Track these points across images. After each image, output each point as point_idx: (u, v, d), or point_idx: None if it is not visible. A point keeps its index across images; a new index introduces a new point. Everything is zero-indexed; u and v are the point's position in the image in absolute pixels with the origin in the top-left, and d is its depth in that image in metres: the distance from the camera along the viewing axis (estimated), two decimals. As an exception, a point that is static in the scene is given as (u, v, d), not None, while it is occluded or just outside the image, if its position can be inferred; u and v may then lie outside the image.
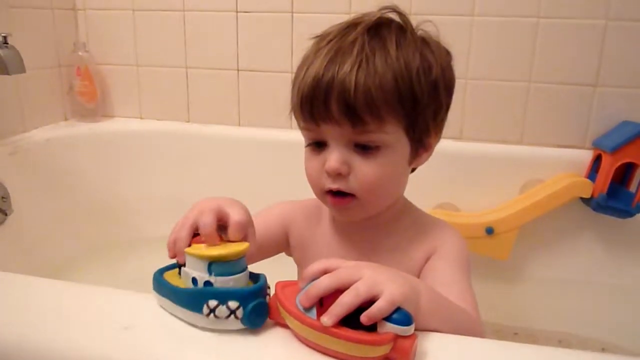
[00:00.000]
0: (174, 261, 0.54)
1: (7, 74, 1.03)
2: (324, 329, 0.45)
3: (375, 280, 0.46)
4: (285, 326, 0.49)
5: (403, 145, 0.64)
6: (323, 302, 0.47)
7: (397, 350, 0.45)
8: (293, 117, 0.67)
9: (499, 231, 1.12)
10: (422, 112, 0.63)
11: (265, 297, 0.50)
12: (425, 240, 0.69)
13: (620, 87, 1.15)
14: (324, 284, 0.47)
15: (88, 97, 1.40)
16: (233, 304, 0.47)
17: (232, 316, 0.47)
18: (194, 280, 0.49)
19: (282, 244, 0.77)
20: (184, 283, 0.51)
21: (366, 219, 0.68)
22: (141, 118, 1.46)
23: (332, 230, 0.73)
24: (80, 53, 1.38)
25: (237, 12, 1.32)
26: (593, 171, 1.14)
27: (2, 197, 1.08)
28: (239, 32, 1.33)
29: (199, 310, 0.48)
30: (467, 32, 1.20)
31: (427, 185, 1.21)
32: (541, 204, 1.12)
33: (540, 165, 1.18)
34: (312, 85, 0.60)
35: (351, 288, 0.46)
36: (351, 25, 0.64)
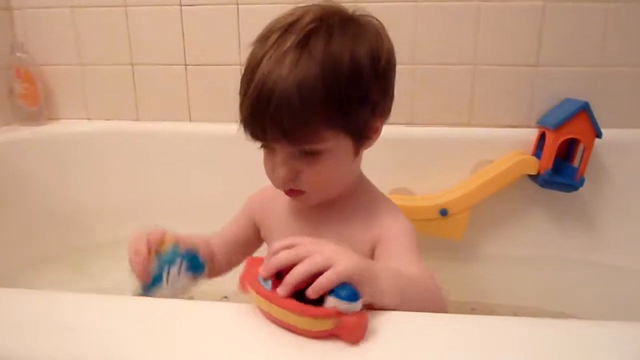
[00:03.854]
0: None
1: None
2: (274, 299, 0.47)
3: (331, 253, 0.49)
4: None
5: (345, 144, 0.66)
6: (283, 277, 0.49)
7: (342, 327, 0.46)
8: None
9: (453, 212, 1.15)
10: (355, 116, 0.64)
11: None
12: (373, 224, 0.72)
13: (561, 65, 1.20)
14: (283, 257, 0.50)
15: (30, 100, 1.35)
16: None
17: None
18: None
19: (257, 234, 0.84)
20: None
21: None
22: (88, 119, 1.41)
23: (288, 206, 0.78)
24: (18, 54, 1.33)
25: (181, 5, 1.29)
26: (539, 149, 1.18)
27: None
28: (185, 26, 1.30)
29: None
30: (411, 18, 1.21)
31: (381, 172, 1.21)
32: (490, 183, 1.15)
33: (490, 146, 1.21)
34: (250, 112, 0.62)
35: (307, 259, 0.48)
36: (288, 30, 0.63)
